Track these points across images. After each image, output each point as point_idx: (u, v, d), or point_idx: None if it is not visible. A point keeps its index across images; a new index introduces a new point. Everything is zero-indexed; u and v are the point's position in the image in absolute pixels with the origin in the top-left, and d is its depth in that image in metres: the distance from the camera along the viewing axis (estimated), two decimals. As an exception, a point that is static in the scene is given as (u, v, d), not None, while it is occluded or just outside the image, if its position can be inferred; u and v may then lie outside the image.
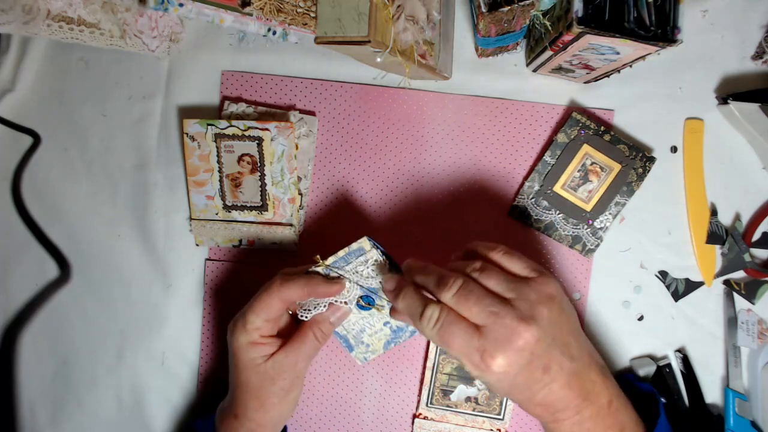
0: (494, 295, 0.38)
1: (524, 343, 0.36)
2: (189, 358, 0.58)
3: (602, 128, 0.51)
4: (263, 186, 0.53)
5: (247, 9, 0.48)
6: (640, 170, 0.51)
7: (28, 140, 0.57)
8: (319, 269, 0.47)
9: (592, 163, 0.52)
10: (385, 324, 0.49)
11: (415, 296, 0.40)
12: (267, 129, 0.52)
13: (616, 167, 0.51)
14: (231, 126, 0.53)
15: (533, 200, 0.53)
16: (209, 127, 0.53)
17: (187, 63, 0.56)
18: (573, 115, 0.52)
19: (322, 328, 0.47)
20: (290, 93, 0.56)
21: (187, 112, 0.57)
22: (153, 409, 0.58)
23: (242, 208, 0.54)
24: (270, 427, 0.47)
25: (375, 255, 0.47)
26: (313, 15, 0.51)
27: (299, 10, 0.50)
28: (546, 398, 0.38)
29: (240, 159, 0.53)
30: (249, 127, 0.52)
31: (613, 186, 0.51)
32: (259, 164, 0.53)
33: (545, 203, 0.53)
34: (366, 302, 0.48)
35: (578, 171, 0.52)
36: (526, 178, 0.54)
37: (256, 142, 0.52)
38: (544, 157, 0.52)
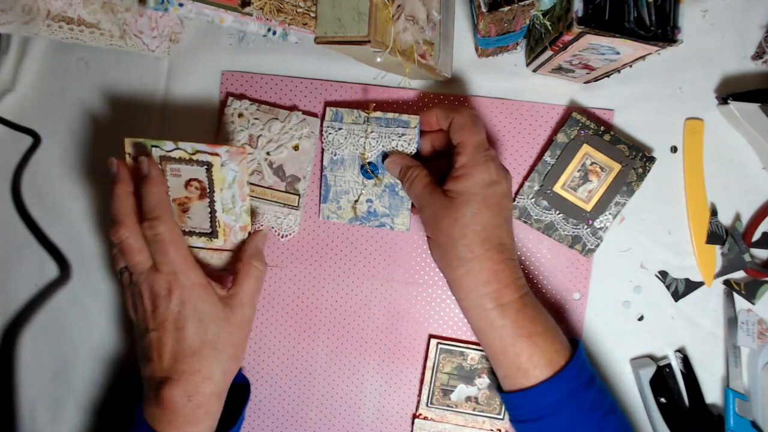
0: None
1: (489, 181, 0.45)
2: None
3: (602, 128, 0.51)
4: (213, 213, 0.50)
5: (247, 9, 0.48)
6: (640, 170, 0.51)
7: (28, 140, 0.57)
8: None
9: (592, 163, 0.52)
10: (367, 200, 0.51)
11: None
12: (217, 154, 0.49)
13: (616, 167, 0.51)
14: (177, 149, 0.49)
15: (533, 200, 0.53)
16: (153, 148, 0.49)
17: (187, 63, 0.56)
18: (573, 115, 0.52)
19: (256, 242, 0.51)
20: (290, 93, 0.56)
21: (188, 112, 0.57)
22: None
23: (190, 233, 0.51)
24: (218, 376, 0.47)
25: (414, 135, 0.49)
26: (313, 15, 0.51)
27: (299, 10, 0.50)
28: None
29: (188, 183, 0.49)
30: (197, 151, 0.49)
31: (613, 186, 0.51)
32: (208, 190, 0.50)
33: (545, 203, 0.53)
34: (371, 169, 0.50)
35: (578, 171, 0.52)
36: (526, 178, 0.54)
37: (205, 167, 0.49)
38: (544, 157, 0.52)
